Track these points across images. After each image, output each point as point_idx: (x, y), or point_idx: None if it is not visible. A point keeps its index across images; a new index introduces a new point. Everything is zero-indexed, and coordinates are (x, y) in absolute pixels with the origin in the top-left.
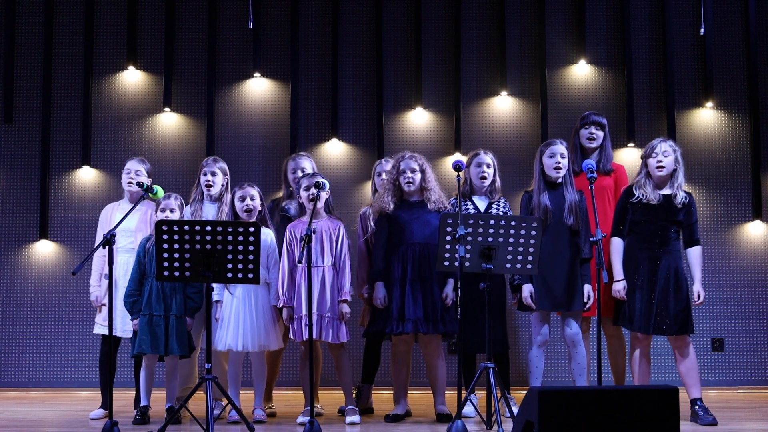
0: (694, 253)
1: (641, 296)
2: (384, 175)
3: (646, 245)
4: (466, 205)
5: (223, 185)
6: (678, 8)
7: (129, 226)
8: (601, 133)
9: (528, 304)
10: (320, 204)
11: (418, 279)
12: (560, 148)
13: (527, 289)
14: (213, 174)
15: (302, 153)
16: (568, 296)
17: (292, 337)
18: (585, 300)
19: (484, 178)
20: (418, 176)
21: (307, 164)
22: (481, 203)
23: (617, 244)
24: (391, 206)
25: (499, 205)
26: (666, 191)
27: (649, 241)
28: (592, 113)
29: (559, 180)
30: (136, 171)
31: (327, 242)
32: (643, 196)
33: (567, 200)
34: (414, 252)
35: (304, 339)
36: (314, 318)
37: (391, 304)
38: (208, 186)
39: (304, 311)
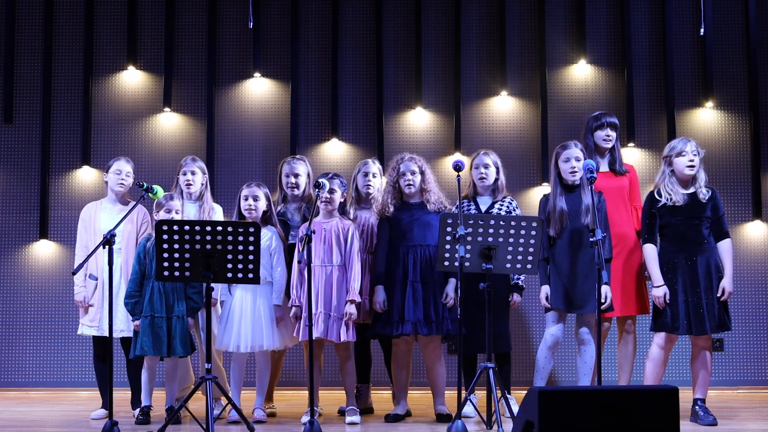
0: (724, 247)
1: (684, 299)
2: (368, 177)
3: (680, 247)
4: (470, 205)
5: (202, 184)
6: (678, 8)
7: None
8: (614, 134)
9: (544, 305)
10: (334, 205)
11: (419, 281)
12: (575, 151)
13: (544, 290)
14: (193, 173)
15: (297, 156)
16: (584, 297)
17: (296, 336)
18: (603, 300)
19: (483, 179)
20: (418, 178)
21: (301, 168)
22: (484, 203)
23: (651, 251)
24: (392, 208)
25: (502, 205)
26: (690, 190)
27: (683, 243)
28: (606, 114)
29: (576, 182)
30: (126, 172)
31: (336, 243)
32: (668, 199)
33: (584, 202)
34: (415, 254)
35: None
36: (321, 317)
37: (391, 305)
38: (188, 185)
39: (312, 310)
